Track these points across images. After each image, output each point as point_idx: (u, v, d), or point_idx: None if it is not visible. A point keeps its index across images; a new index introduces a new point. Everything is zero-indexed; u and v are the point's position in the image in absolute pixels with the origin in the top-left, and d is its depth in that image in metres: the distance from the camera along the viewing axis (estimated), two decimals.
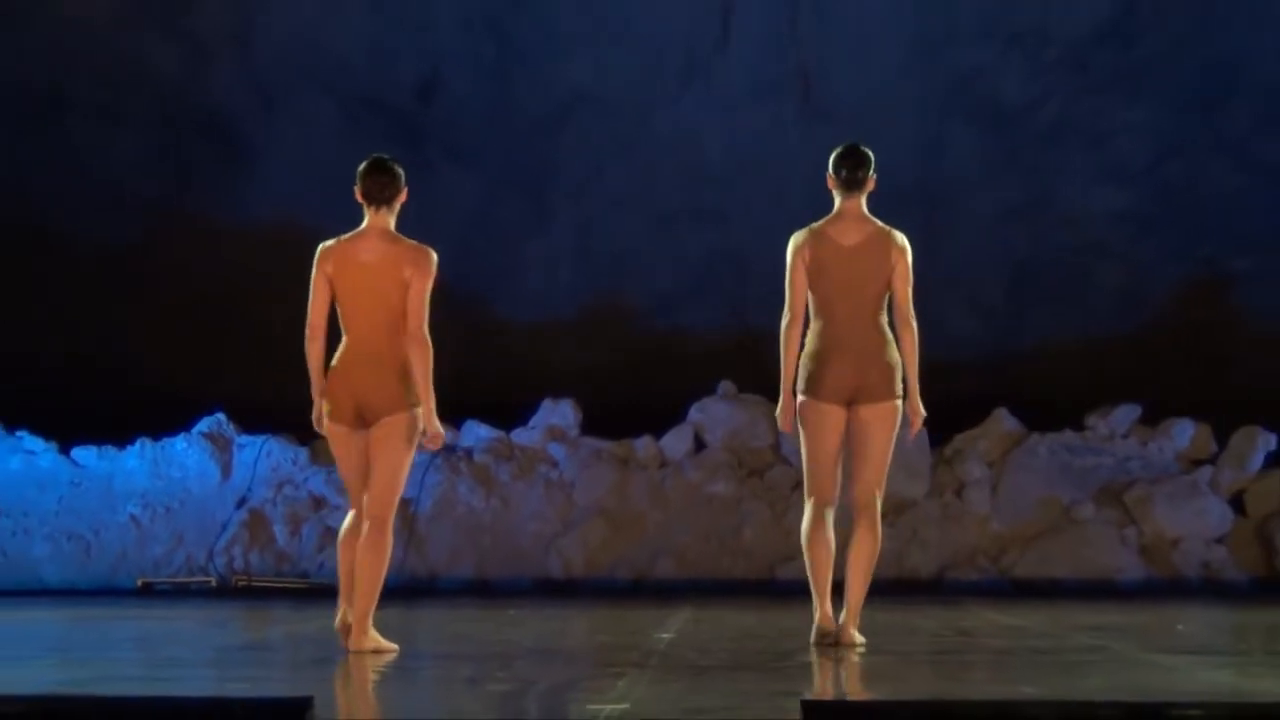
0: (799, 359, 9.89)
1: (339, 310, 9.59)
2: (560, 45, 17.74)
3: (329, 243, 9.72)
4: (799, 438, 9.98)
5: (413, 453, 9.58)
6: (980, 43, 17.79)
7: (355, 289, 9.55)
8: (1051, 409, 16.91)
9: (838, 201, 10.05)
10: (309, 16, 17.80)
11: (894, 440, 10.06)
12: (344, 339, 9.59)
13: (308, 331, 9.59)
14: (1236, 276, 17.74)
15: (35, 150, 17.66)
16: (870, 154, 10.04)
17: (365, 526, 9.47)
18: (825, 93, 17.74)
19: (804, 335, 9.92)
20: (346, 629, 9.62)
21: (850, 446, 9.94)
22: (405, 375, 9.47)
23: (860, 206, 10.01)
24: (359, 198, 9.77)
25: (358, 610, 9.44)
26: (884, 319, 10.06)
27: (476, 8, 17.89)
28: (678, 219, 17.09)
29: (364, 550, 9.43)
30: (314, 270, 9.63)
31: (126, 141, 17.69)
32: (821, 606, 10.00)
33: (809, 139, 17.30)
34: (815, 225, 9.99)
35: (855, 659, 9.55)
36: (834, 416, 9.89)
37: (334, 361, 9.58)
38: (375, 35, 17.83)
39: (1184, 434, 16.92)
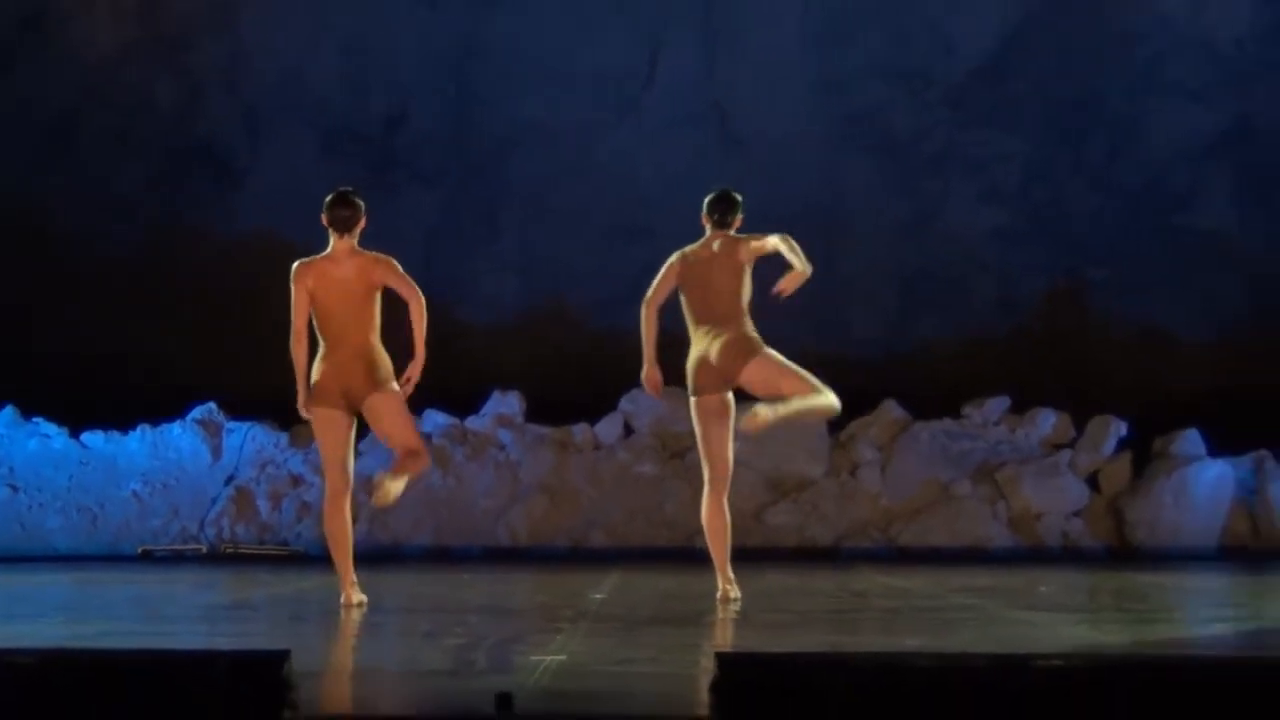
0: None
1: (316, 317, 9.87)
2: (510, 83, 17.73)
3: (305, 261, 10.05)
4: (696, 426, 10.17)
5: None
6: (873, 82, 17.83)
7: (333, 299, 9.91)
8: (933, 400, 16.99)
9: (708, 232, 10.32)
10: (291, 56, 17.78)
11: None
12: (324, 343, 9.87)
13: (293, 335, 9.96)
14: (1093, 285, 17.80)
15: (52, 170, 17.59)
16: (739, 199, 10.35)
17: (399, 456, 9.90)
18: (739, 125, 17.77)
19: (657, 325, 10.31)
20: (357, 605, 9.97)
21: (760, 396, 9.93)
22: (378, 363, 9.90)
23: (731, 237, 10.27)
24: (325, 224, 10.02)
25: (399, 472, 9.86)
26: (746, 314, 10.13)
27: (438, 51, 17.86)
28: (612, 235, 17.12)
29: (412, 464, 9.90)
30: (294, 285, 9.97)
31: (132, 163, 17.63)
32: (723, 572, 10.15)
33: (725, 165, 17.36)
34: (689, 249, 10.30)
35: (763, 617, 9.59)
36: (722, 404, 10.08)
37: (319, 358, 9.93)
38: (349, 73, 17.81)
39: (1047, 422, 17.00)
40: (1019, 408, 17.09)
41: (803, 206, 17.53)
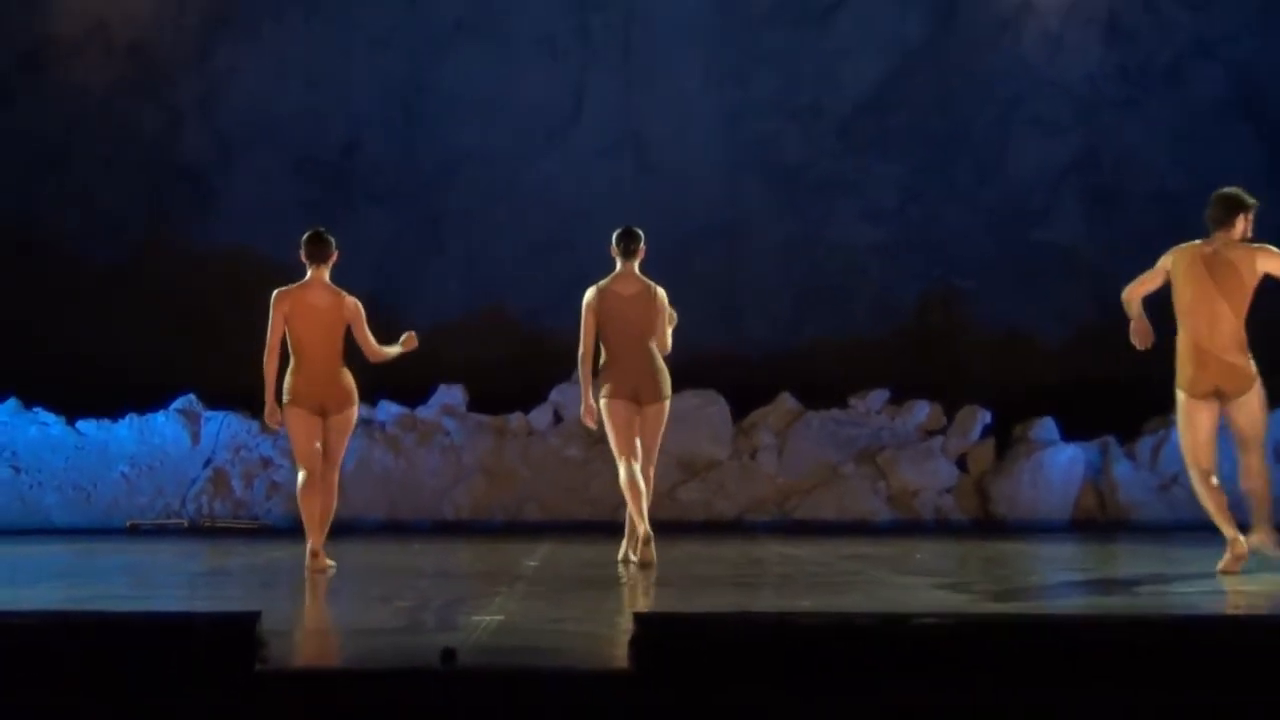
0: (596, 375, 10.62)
1: (291, 339, 10.45)
2: (452, 116, 17.67)
3: (284, 289, 10.41)
4: (606, 423, 10.63)
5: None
6: (769, 115, 17.83)
7: (308, 325, 10.32)
8: (823, 392, 17.03)
9: (619, 265, 10.64)
10: (260, 91, 17.67)
11: (664, 424, 10.68)
12: (297, 358, 10.29)
13: (267, 350, 10.47)
14: (961, 293, 17.85)
15: (47, 190, 17.43)
16: (641, 234, 10.68)
17: (324, 472, 10.48)
18: (653, 154, 17.73)
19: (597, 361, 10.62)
20: (314, 556, 10.34)
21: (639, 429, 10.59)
22: (345, 384, 10.39)
23: (634, 269, 10.63)
24: (303, 258, 10.33)
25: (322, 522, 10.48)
26: (653, 344, 10.56)
27: (388, 87, 17.78)
28: (542, 249, 17.10)
29: (327, 488, 10.52)
30: (272, 309, 10.33)
31: (119, 184, 17.48)
32: (641, 525, 10.39)
33: (640, 188, 17.42)
34: (602, 283, 10.59)
35: (675, 581, 9.62)
36: (627, 407, 10.49)
37: (291, 370, 10.34)
38: (311, 106, 17.70)
39: (922, 411, 17.07)
40: (897, 399, 17.14)
41: (708, 224, 17.62)
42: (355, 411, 10.52)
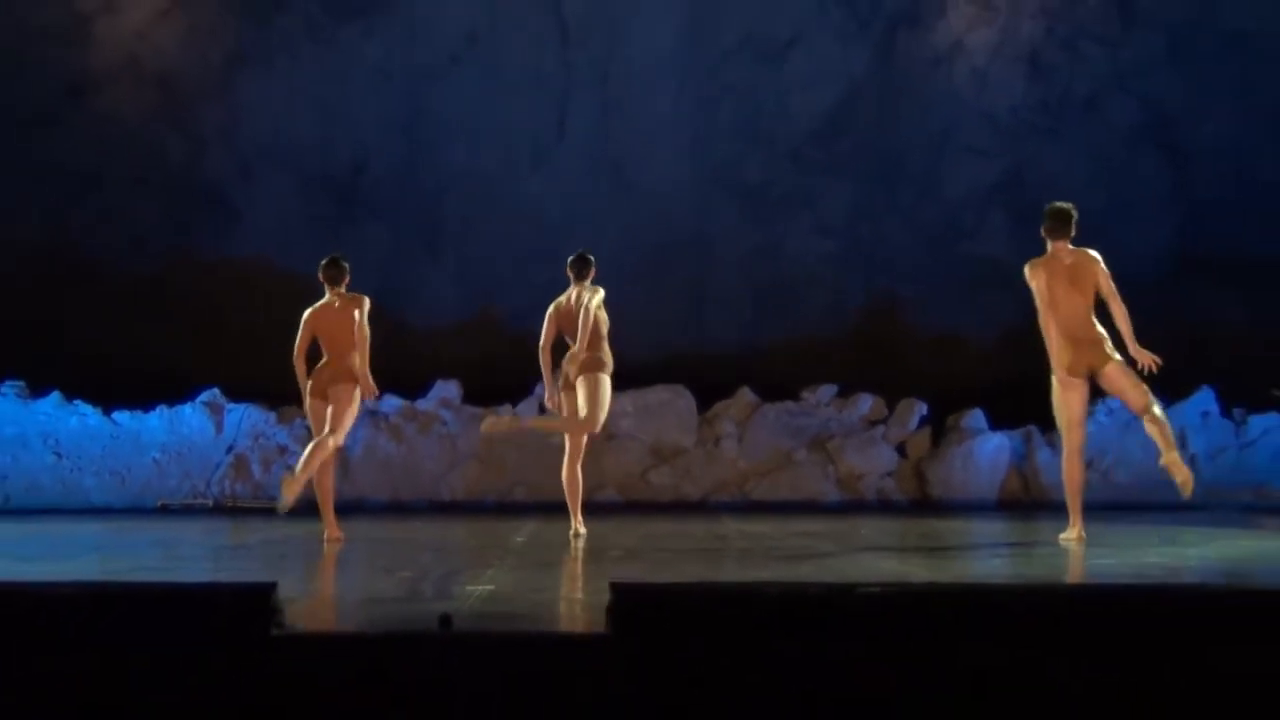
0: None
1: (320, 341, 10.82)
2: (448, 139, 17.66)
3: (312, 308, 10.94)
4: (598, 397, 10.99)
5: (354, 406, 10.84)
6: (733, 139, 17.86)
7: (330, 332, 10.78)
8: (779, 386, 17.05)
9: (571, 281, 11.14)
10: (275, 118, 17.63)
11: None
12: (326, 354, 10.80)
13: (296, 354, 10.83)
14: (902, 299, 17.89)
15: (83, 210, 17.38)
16: (592, 259, 11.15)
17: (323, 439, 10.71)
18: (629, 173, 17.75)
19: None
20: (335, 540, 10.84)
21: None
22: (349, 370, 10.71)
23: (585, 286, 11.06)
24: (322, 280, 10.94)
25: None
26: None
27: (392, 113, 17.77)
28: (528, 258, 17.06)
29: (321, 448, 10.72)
30: (303, 324, 10.88)
31: (149, 203, 17.44)
32: (577, 514, 11.13)
33: (617, 205, 17.43)
34: (560, 299, 11.12)
35: (648, 555, 9.61)
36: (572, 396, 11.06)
37: (318, 367, 10.77)
38: (321, 131, 17.66)
39: (866, 404, 17.08)
40: (844, 393, 17.15)
41: (678, 236, 17.63)
42: (353, 389, 10.69)
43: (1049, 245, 10.23)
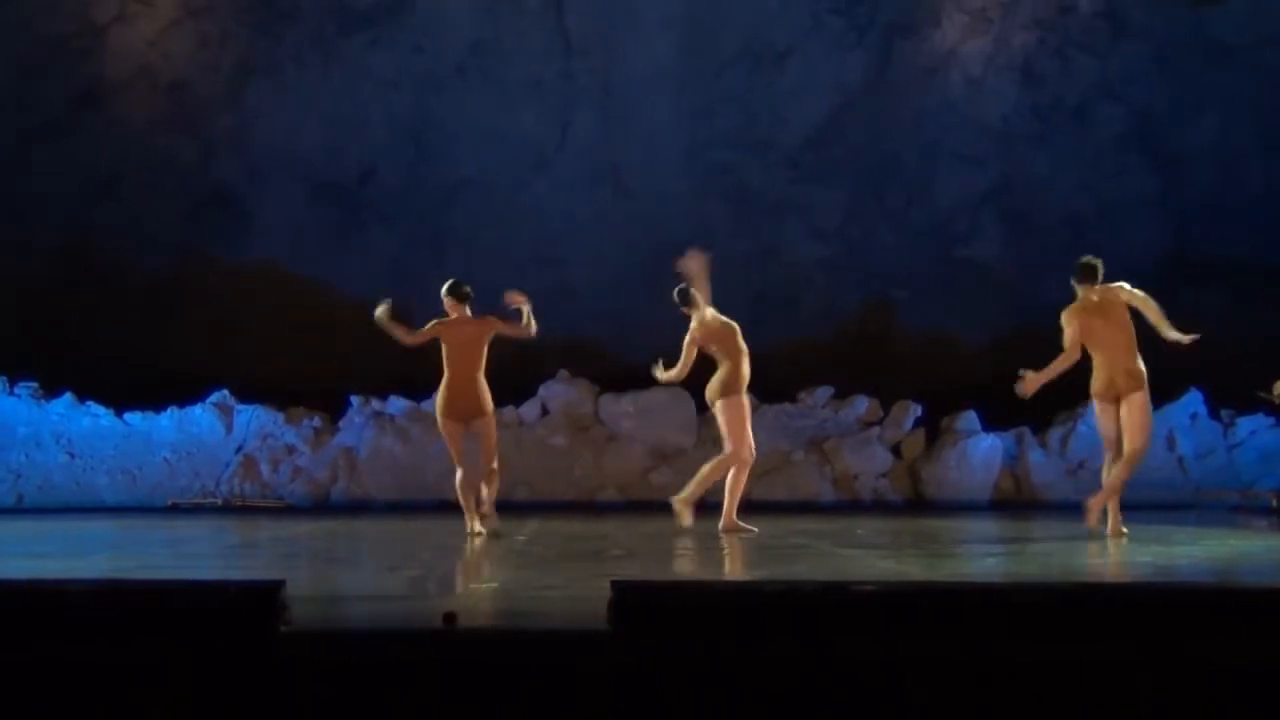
0: None
1: (446, 353, 11.19)
2: (453, 147, 17.68)
3: (440, 320, 11.29)
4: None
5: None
6: (731, 147, 17.87)
7: (458, 345, 11.11)
8: (776, 388, 17.01)
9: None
10: (285, 126, 17.65)
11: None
12: (447, 375, 11.14)
13: (411, 337, 11.23)
14: (895, 302, 17.91)
15: (99, 214, 17.40)
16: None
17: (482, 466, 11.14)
18: (629, 180, 17.76)
19: None
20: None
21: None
22: (486, 398, 11.17)
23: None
24: (454, 299, 11.26)
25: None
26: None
27: (398, 122, 17.80)
28: (530, 263, 17.03)
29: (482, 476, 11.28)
30: (428, 327, 11.24)
31: (161, 207, 17.45)
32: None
33: (618, 211, 17.44)
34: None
35: (648, 553, 9.59)
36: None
37: (444, 384, 11.18)
38: (330, 139, 17.69)
39: (861, 405, 17.08)
40: (840, 394, 17.16)
41: (676, 241, 17.40)
42: (492, 420, 11.06)
43: (1079, 292, 10.56)
